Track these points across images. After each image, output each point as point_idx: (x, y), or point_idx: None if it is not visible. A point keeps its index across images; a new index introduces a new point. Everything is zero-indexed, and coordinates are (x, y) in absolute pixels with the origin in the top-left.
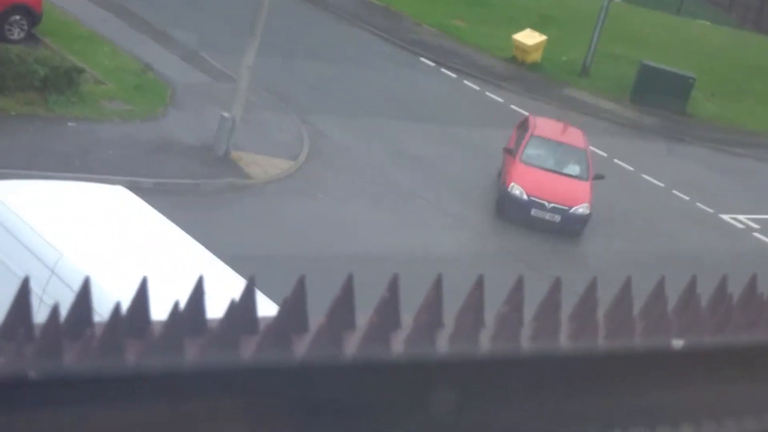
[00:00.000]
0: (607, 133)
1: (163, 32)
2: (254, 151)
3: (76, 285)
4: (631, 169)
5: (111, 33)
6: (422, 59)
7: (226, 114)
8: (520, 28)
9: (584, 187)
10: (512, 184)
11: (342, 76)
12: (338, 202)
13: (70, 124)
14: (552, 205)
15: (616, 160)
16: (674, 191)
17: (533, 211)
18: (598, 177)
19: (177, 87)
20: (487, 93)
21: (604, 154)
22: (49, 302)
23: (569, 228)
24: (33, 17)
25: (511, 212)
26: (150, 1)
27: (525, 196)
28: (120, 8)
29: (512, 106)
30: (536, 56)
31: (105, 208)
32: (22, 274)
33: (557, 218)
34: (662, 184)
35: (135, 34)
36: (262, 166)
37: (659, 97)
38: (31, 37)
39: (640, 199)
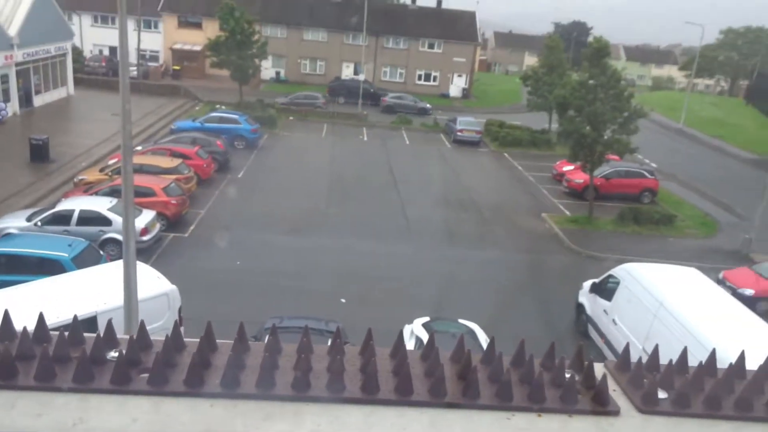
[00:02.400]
0: None
1: (717, 199)
2: (762, 252)
3: (674, 323)
4: None
5: (690, 199)
6: None
7: (746, 235)
8: None
9: None
10: None
11: None
12: None
13: (670, 239)
14: None
15: None
16: None
17: None
18: None
19: (722, 224)
20: None
21: None
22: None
23: None
24: (654, 193)
25: None
26: (720, 188)
27: None
28: (701, 192)
29: None
30: None
31: (687, 280)
32: (646, 308)
33: None
34: None
35: (699, 200)
36: (765, 260)
37: None
38: (651, 202)
39: None
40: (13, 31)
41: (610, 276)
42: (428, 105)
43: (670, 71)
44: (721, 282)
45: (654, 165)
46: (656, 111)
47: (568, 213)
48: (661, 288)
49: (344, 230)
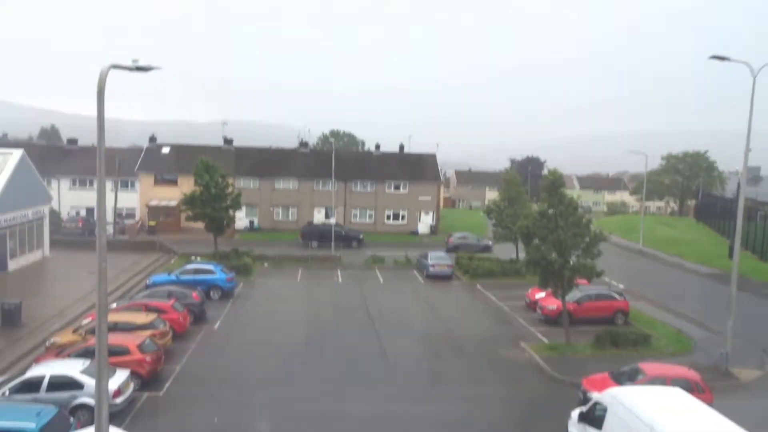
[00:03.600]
0: None
1: (687, 315)
2: (740, 365)
3: None
4: None
5: (661, 317)
6: None
7: (722, 350)
8: None
9: None
10: None
11: None
12: None
13: (648, 359)
14: None
15: None
16: None
17: None
18: None
19: (696, 340)
20: None
21: None
22: None
23: None
24: (626, 314)
25: None
26: (687, 304)
27: None
28: (670, 310)
29: None
30: None
31: (673, 400)
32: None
33: None
34: None
35: (670, 317)
36: (744, 373)
37: None
38: (624, 323)
39: None
40: None
41: (597, 403)
42: (490, 242)
43: (622, 196)
44: (578, 388)
45: (621, 286)
46: (615, 234)
47: (545, 340)
48: (649, 411)
49: (324, 376)
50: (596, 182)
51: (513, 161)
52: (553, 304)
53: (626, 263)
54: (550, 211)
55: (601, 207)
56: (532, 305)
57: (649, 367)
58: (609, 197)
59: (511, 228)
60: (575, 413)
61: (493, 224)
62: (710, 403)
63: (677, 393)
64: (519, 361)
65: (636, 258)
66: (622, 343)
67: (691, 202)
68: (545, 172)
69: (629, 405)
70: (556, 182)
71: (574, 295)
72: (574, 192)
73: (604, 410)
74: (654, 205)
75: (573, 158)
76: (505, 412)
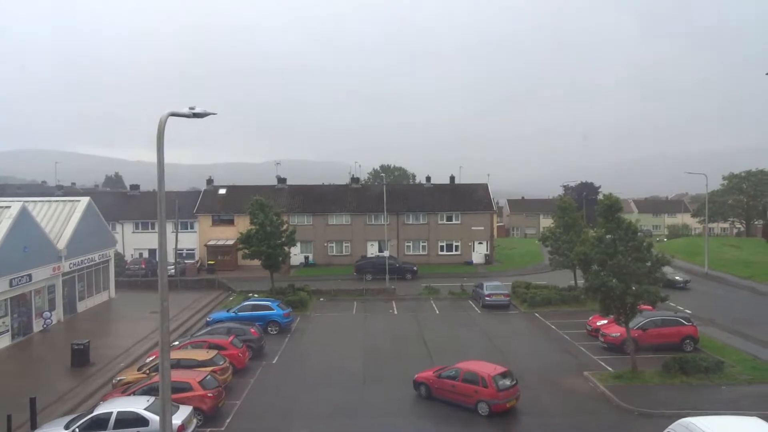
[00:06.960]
0: None
1: (763, 341)
2: None
3: None
4: None
5: (733, 343)
6: None
7: None
8: None
9: None
10: None
11: None
12: None
13: (723, 387)
14: None
15: None
16: None
17: None
18: None
19: None
20: None
21: None
22: None
23: None
24: (695, 340)
25: None
26: (763, 329)
27: None
28: (744, 335)
29: None
30: None
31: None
32: None
33: None
34: None
35: (743, 342)
36: None
37: None
38: (694, 349)
39: None
40: (62, 244)
41: None
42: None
43: (683, 219)
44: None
45: (688, 311)
46: (678, 257)
47: (610, 369)
48: None
49: (384, 411)
50: (655, 205)
51: (567, 188)
52: (616, 332)
53: (692, 287)
54: (608, 237)
55: (662, 230)
56: (594, 333)
57: (463, 364)
58: (669, 220)
59: (568, 255)
60: None
61: (549, 252)
62: None
63: (758, 423)
64: (583, 390)
65: (702, 282)
66: (692, 371)
67: (759, 223)
68: (600, 197)
69: None
70: (613, 206)
71: (637, 321)
72: (632, 216)
73: None
74: (718, 226)
75: (627, 183)
76: None
